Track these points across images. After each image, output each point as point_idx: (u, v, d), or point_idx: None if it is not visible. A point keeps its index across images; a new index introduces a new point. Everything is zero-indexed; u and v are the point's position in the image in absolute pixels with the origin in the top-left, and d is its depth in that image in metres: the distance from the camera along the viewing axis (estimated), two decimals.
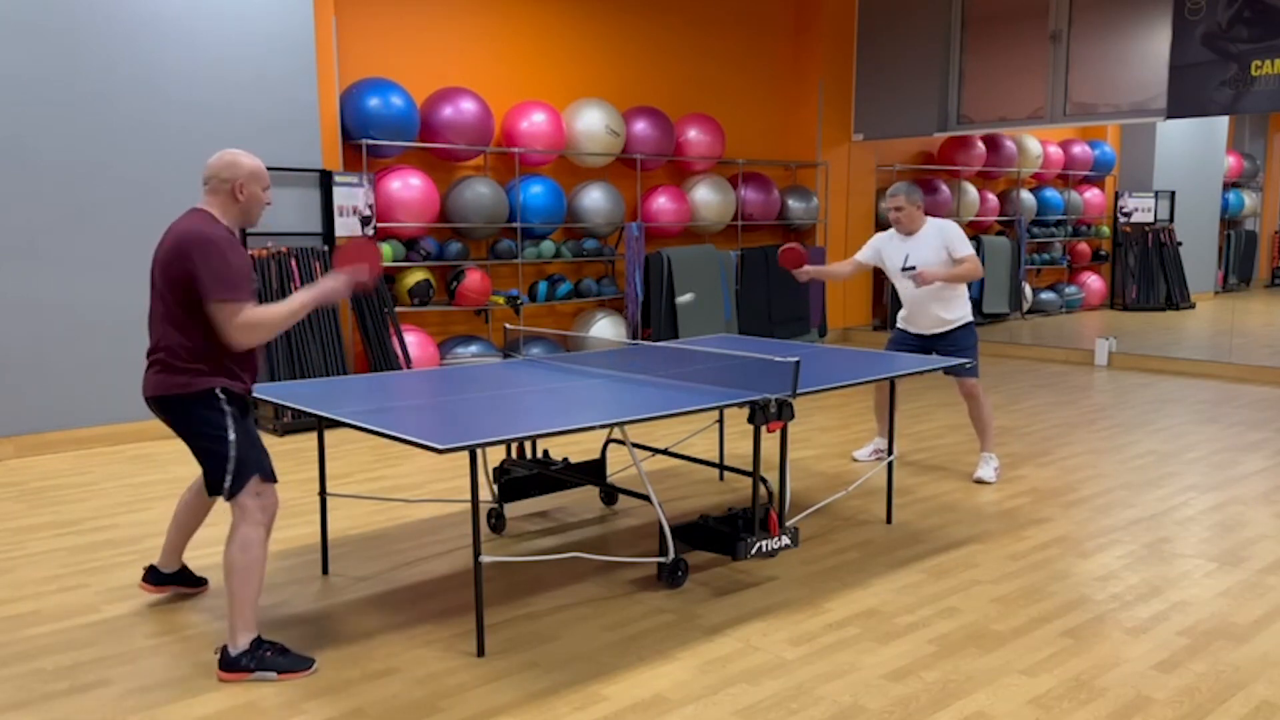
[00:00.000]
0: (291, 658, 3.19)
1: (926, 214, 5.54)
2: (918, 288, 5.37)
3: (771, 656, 3.29)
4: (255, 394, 4.30)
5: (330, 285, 3.25)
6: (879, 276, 11.66)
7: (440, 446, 2.96)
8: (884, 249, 5.59)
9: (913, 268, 5.42)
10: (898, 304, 5.73)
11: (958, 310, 5.43)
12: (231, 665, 3.13)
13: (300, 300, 3.17)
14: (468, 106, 7.90)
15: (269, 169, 6.88)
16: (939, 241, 5.37)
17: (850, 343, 10.75)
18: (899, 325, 5.66)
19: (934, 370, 4.85)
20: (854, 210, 11.28)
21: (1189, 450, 6.18)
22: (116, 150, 6.34)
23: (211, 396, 3.15)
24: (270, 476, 3.25)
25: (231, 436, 3.15)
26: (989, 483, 5.41)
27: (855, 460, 5.93)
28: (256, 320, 3.08)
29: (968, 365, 5.23)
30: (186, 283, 3.06)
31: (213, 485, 3.22)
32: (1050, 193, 13.45)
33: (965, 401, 5.56)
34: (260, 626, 3.28)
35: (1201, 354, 9.91)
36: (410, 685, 3.10)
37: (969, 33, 10.28)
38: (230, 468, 3.16)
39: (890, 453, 4.77)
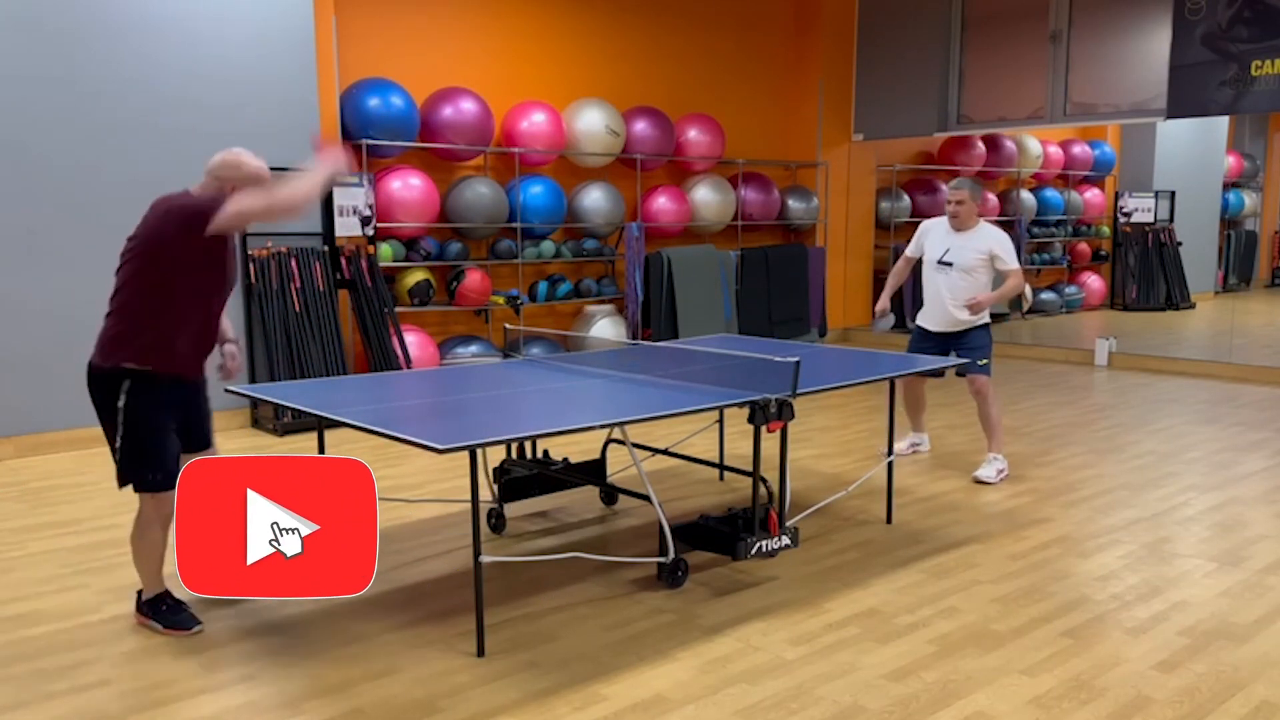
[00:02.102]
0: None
1: (979, 215, 5.52)
2: (972, 314, 5.42)
3: (771, 656, 3.29)
4: (256, 394, 4.30)
5: (319, 170, 3.34)
6: (879, 277, 11.66)
7: (440, 446, 2.96)
8: (927, 236, 5.60)
9: (949, 263, 5.43)
10: (917, 300, 5.75)
11: (974, 312, 5.43)
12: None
13: (298, 183, 3.30)
14: (468, 106, 7.90)
15: (269, 169, 6.89)
16: (986, 248, 5.39)
17: (850, 343, 10.75)
18: (918, 323, 5.68)
19: (934, 370, 4.85)
20: (854, 210, 11.27)
21: (1189, 450, 6.18)
22: (117, 150, 6.34)
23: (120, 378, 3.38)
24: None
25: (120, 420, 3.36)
26: (988, 483, 5.39)
27: (899, 452, 5.93)
28: (252, 205, 3.23)
29: (981, 362, 5.32)
30: (164, 238, 3.24)
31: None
32: (1050, 193, 13.45)
33: (974, 399, 5.54)
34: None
35: (1201, 354, 9.91)
36: (410, 685, 3.10)
37: (969, 33, 10.28)
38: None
39: (890, 452, 4.77)
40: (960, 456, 6.00)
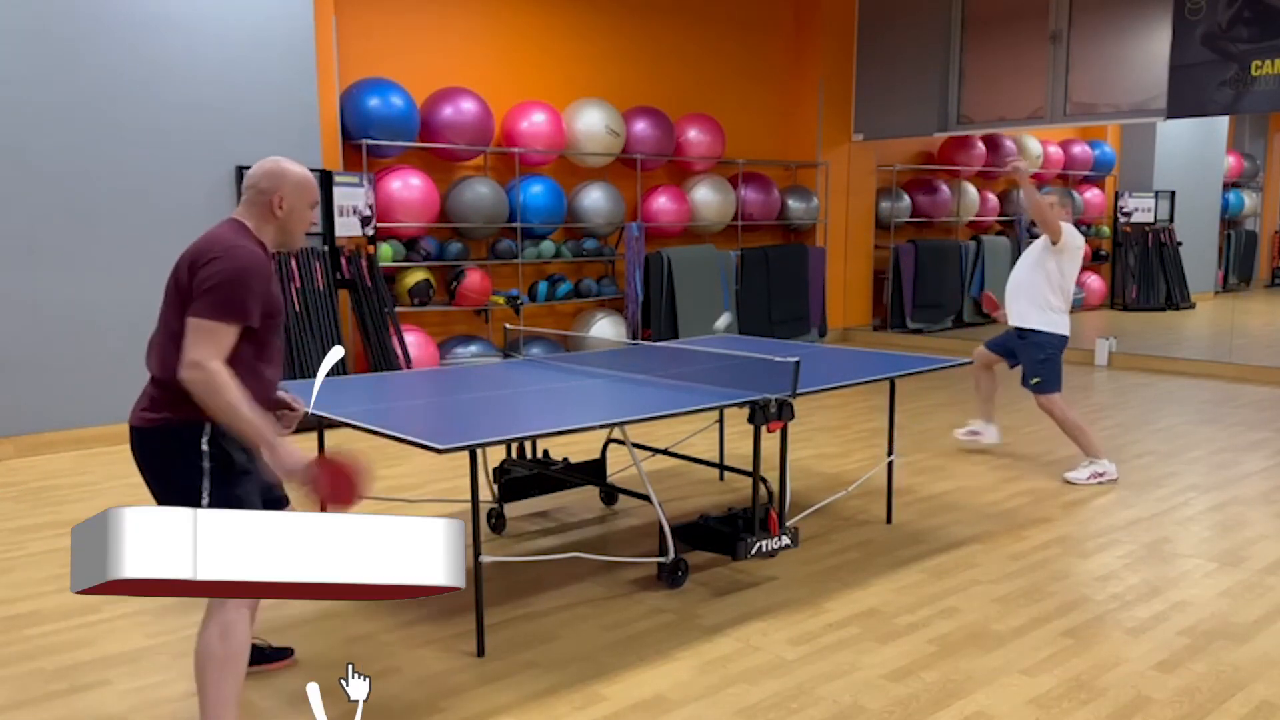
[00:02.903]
0: None
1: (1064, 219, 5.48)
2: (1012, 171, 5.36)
3: (771, 656, 3.29)
4: None
5: (286, 459, 2.50)
6: (878, 278, 11.67)
7: (440, 446, 2.96)
8: None
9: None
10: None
11: (1037, 306, 5.36)
12: None
13: (253, 423, 2.46)
14: (468, 106, 7.90)
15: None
16: (1042, 238, 5.38)
17: (850, 343, 10.75)
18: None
19: (934, 370, 4.85)
20: (854, 210, 11.28)
21: (1189, 450, 6.18)
22: (117, 151, 6.34)
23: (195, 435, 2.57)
24: None
25: (205, 492, 2.55)
26: (1076, 484, 5.37)
27: (958, 437, 6.16)
28: (211, 380, 2.45)
29: (1033, 381, 5.38)
30: (186, 295, 2.56)
31: None
32: None
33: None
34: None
35: (1201, 354, 9.91)
36: (410, 685, 3.10)
37: (969, 33, 10.28)
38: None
39: (890, 452, 4.77)
40: (959, 456, 6.00)
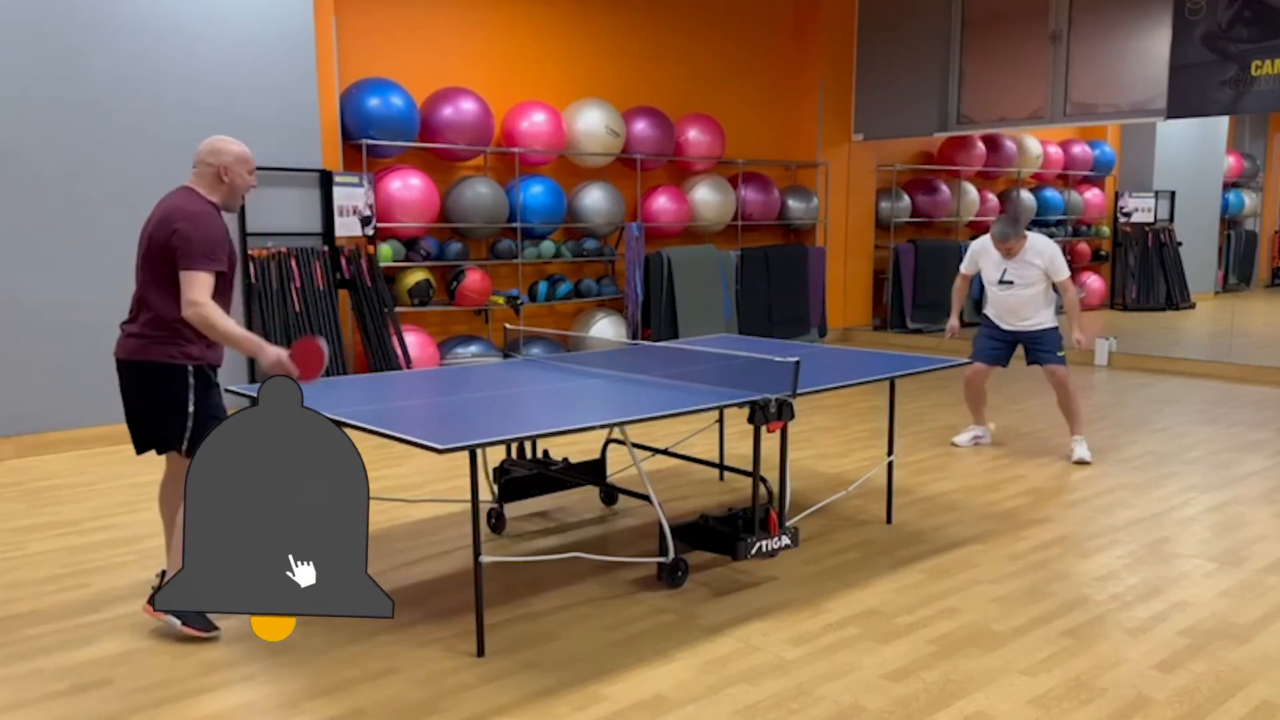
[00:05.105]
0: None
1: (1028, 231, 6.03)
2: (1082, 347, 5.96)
3: (771, 656, 3.29)
4: (256, 394, 4.27)
5: (270, 355, 3.35)
6: (878, 278, 11.67)
7: (440, 446, 2.96)
8: (983, 257, 6.05)
9: (1010, 282, 5.90)
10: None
11: (1043, 314, 5.95)
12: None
13: (245, 337, 3.40)
14: (468, 106, 7.90)
15: (269, 169, 6.91)
16: (1040, 265, 5.84)
17: (850, 343, 10.75)
18: (986, 313, 6.13)
19: (934, 370, 4.85)
20: (854, 210, 11.27)
21: (1189, 450, 6.18)
22: (116, 151, 6.34)
23: (183, 372, 3.42)
24: None
25: (190, 409, 3.43)
26: (1088, 462, 5.79)
27: (955, 445, 6.30)
28: (208, 316, 3.30)
29: (1059, 354, 5.89)
30: (170, 252, 3.33)
31: (169, 442, 3.50)
32: (1050, 193, 13.45)
33: (1055, 390, 5.99)
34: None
35: (1201, 354, 9.91)
36: (410, 685, 3.10)
37: (969, 33, 10.28)
38: (187, 435, 3.45)
39: (890, 452, 4.77)
40: (959, 457, 6.00)
